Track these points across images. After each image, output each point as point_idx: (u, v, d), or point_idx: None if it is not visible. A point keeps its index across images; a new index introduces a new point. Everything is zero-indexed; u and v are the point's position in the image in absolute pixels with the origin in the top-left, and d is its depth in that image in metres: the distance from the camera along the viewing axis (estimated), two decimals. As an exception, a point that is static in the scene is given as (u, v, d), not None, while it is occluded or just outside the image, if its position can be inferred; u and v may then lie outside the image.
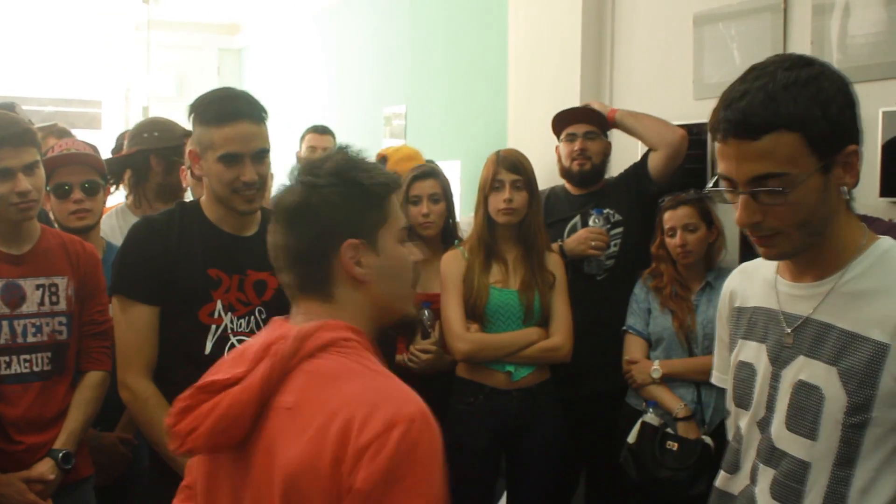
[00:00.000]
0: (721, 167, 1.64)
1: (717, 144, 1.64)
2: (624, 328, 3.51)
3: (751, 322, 1.82)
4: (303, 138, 5.53)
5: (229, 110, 2.47)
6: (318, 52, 8.33)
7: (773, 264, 1.80)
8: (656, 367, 3.34)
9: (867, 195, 3.16)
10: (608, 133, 3.83)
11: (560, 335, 3.34)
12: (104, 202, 3.42)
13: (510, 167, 3.32)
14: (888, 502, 1.58)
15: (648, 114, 3.70)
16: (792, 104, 1.54)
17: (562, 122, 3.80)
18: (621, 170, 3.90)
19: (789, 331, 1.71)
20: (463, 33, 5.84)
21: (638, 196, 3.67)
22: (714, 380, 2.04)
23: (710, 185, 1.73)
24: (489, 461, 3.38)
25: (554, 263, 3.42)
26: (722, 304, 1.95)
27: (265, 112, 2.54)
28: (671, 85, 3.98)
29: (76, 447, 2.78)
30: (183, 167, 3.60)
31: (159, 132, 3.70)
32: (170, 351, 2.55)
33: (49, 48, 9.48)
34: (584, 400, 3.56)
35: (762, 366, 1.76)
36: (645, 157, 3.69)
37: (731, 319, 1.90)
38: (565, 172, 3.78)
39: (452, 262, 3.38)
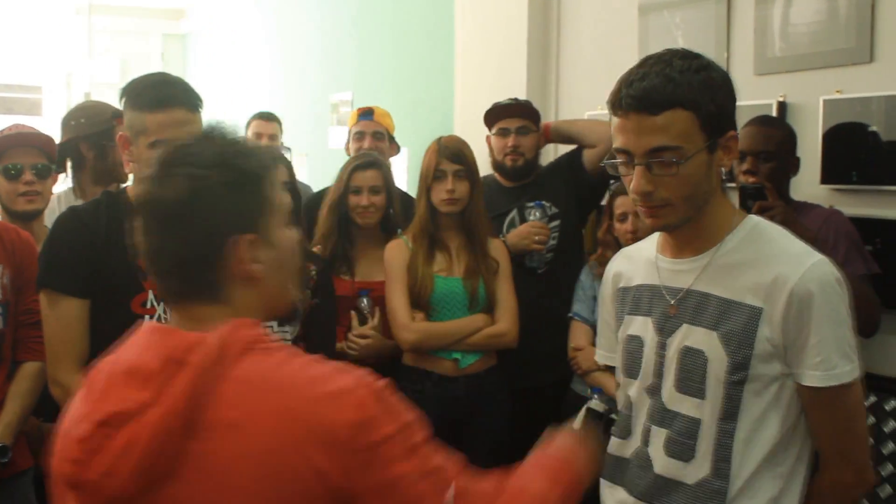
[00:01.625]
0: (619, 141, 1.77)
1: (615, 120, 1.77)
2: (570, 315, 3.50)
3: (635, 299, 1.96)
4: (248, 125, 5.45)
5: (164, 96, 2.38)
6: (264, 38, 8.24)
7: (653, 246, 1.97)
8: (602, 354, 3.34)
9: (808, 183, 3.20)
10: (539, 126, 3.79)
11: (505, 321, 3.33)
12: (51, 188, 3.34)
13: (452, 157, 3.29)
14: (768, 451, 1.75)
15: (578, 118, 3.69)
16: (687, 86, 1.69)
17: (494, 116, 3.75)
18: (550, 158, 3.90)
19: (672, 302, 1.86)
20: (409, 20, 5.81)
21: (574, 187, 3.68)
22: (599, 358, 2.19)
23: (605, 159, 1.88)
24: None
25: (496, 250, 3.40)
26: (605, 287, 2.10)
27: (201, 100, 2.46)
28: (617, 72, 3.85)
29: (13, 440, 2.71)
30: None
31: (86, 118, 3.58)
32: (103, 344, 2.45)
33: (-13, 32, 9.27)
34: (529, 392, 3.55)
35: (649, 337, 1.90)
36: (578, 151, 3.70)
37: (616, 299, 2.04)
38: (498, 166, 3.73)
39: (396, 252, 3.35)
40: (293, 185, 3.23)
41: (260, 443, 1.26)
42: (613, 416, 3.27)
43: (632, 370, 1.95)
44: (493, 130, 3.73)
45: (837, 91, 3.18)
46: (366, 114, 4.30)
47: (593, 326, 3.45)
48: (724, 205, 1.85)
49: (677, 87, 1.69)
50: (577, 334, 3.47)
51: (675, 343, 1.84)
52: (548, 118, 4.26)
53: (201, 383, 1.27)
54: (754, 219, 1.86)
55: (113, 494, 1.26)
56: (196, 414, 1.26)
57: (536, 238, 3.55)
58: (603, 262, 3.43)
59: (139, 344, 1.38)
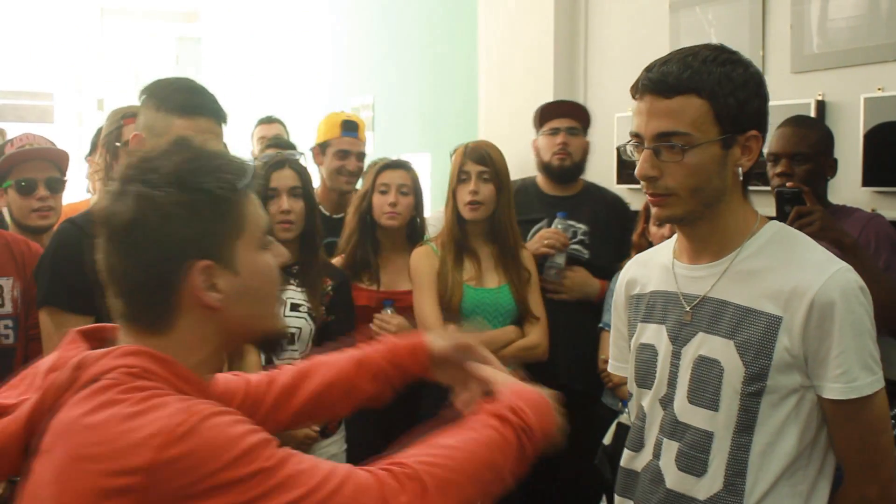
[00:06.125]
0: (633, 124, 1.76)
1: (635, 104, 1.76)
2: (600, 325, 3.41)
3: (649, 306, 1.92)
4: (253, 133, 5.36)
5: (195, 103, 2.33)
6: (281, 40, 8.17)
7: (669, 251, 1.91)
8: (634, 366, 3.24)
9: (849, 185, 3.12)
10: (588, 131, 3.73)
11: (536, 333, 3.24)
12: (62, 202, 3.26)
13: (477, 159, 3.20)
14: (786, 466, 1.70)
15: None
16: (706, 75, 1.68)
17: (545, 115, 3.68)
18: (595, 167, 3.81)
19: (688, 309, 1.81)
20: (432, 19, 5.74)
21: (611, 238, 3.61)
22: (611, 368, 2.13)
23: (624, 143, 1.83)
24: None
25: (528, 259, 3.31)
26: (618, 294, 2.05)
27: (226, 115, 2.41)
28: (647, 72, 3.87)
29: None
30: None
31: (106, 120, 3.48)
32: None
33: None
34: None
35: (663, 345, 1.86)
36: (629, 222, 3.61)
37: (629, 307, 1.99)
38: (544, 167, 3.64)
39: (424, 259, 3.24)
40: (307, 191, 3.11)
41: (53, 483, 1.20)
42: (647, 429, 3.19)
43: (645, 380, 1.91)
44: (543, 130, 3.66)
45: (879, 89, 3.08)
46: (350, 129, 3.88)
47: (626, 336, 3.35)
48: (743, 208, 1.80)
49: (695, 74, 1.68)
50: (608, 345, 3.35)
51: (690, 352, 1.80)
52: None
53: (46, 404, 1.24)
54: (776, 225, 1.82)
55: None
56: (36, 433, 1.24)
57: (546, 242, 3.42)
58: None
59: (62, 344, 1.36)
